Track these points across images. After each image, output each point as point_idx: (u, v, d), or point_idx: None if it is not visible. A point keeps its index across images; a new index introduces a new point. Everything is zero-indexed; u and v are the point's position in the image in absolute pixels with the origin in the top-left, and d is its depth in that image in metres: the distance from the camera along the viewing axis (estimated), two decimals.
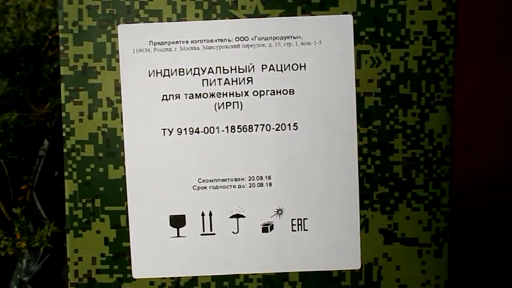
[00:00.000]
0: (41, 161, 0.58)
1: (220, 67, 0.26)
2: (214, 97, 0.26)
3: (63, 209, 0.26)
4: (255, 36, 0.26)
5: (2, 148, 0.56)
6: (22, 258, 0.56)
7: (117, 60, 0.26)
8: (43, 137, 0.59)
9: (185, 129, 0.26)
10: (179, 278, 0.26)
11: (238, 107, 0.26)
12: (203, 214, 0.26)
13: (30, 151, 0.59)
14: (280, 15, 0.26)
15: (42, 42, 0.58)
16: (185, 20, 0.26)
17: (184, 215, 0.26)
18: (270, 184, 0.26)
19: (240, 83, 0.26)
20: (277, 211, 0.26)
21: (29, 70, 0.58)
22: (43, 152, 0.58)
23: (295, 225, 0.26)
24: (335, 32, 0.25)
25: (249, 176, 0.26)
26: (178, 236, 0.26)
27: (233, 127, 0.26)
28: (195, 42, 0.26)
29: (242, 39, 0.26)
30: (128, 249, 0.26)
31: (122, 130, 0.26)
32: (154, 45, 0.26)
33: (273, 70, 0.26)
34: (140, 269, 0.26)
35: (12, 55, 0.57)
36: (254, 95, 0.26)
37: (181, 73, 0.26)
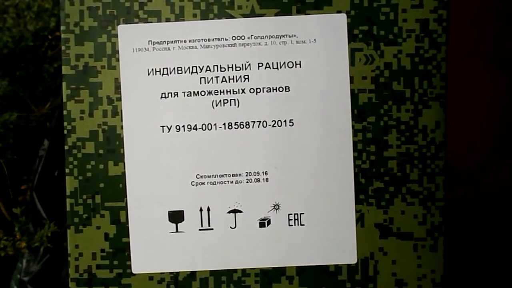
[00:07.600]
0: (41, 161, 0.58)
1: (217, 66, 0.26)
2: (212, 94, 0.26)
3: (63, 209, 0.27)
4: (251, 35, 0.26)
5: (2, 148, 0.56)
6: (22, 258, 0.56)
7: (117, 60, 0.26)
8: (43, 137, 0.59)
9: (183, 126, 0.26)
10: (177, 273, 0.27)
11: (235, 104, 0.26)
12: (201, 210, 0.26)
13: (30, 151, 0.59)
14: (276, 15, 0.26)
15: (42, 42, 0.58)
16: (183, 20, 0.26)
17: (182, 211, 0.26)
18: (267, 179, 0.26)
19: (237, 81, 0.26)
20: (274, 206, 0.26)
21: (29, 70, 0.58)
22: (43, 152, 0.58)
23: (291, 220, 0.26)
24: (329, 31, 0.26)
25: (246, 172, 0.26)
26: (177, 231, 0.26)
27: (230, 124, 0.26)
28: (193, 42, 0.26)
29: (238, 38, 0.26)
30: (127, 244, 0.27)
31: (122, 127, 0.26)
32: (153, 44, 0.26)
33: (269, 68, 0.26)
34: (139, 264, 0.27)
35: (11, 55, 0.57)
36: (251, 93, 0.26)
37: (179, 72, 0.26)
